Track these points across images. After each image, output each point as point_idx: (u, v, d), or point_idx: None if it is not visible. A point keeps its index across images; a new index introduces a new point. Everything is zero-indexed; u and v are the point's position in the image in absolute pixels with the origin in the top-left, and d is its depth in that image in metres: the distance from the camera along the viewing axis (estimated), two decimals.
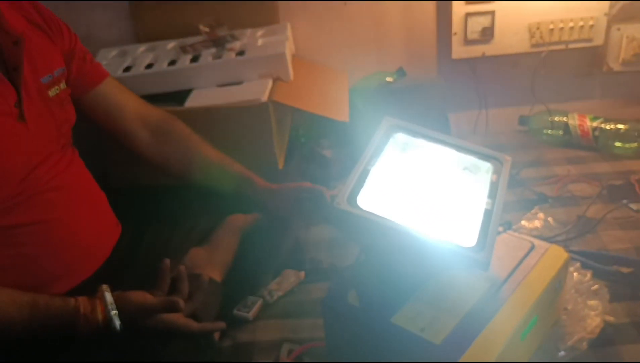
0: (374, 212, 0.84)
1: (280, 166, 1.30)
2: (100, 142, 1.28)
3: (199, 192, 1.12)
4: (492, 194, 0.89)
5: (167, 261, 0.88)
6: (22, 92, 0.84)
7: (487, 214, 0.86)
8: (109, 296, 0.80)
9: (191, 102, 1.28)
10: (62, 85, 0.94)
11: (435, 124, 1.49)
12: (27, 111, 0.85)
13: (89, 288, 0.84)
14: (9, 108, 0.83)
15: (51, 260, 0.89)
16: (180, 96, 1.31)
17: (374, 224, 0.82)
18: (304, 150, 1.48)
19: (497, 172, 0.94)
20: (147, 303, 0.81)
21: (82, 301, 0.80)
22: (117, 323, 0.78)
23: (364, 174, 0.90)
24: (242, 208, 1.11)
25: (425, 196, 0.90)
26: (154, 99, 1.29)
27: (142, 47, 1.46)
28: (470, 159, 0.97)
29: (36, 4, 0.95)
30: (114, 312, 0.79)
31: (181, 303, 0.81)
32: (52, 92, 0.91)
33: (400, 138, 0.99)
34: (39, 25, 0.93)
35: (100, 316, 0.78)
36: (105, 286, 0.82)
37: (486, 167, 0.96)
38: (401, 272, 0.87)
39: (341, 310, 0.87)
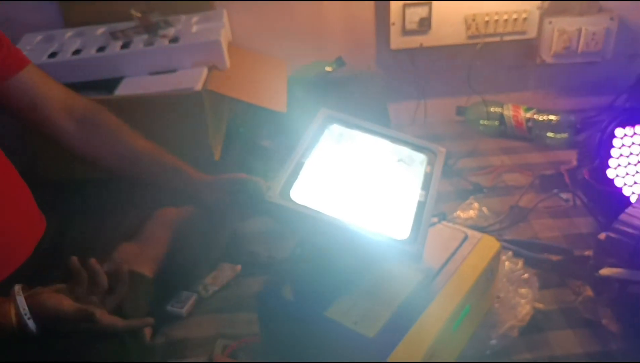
0: (308, 205, 0.82)
1: (217, 157, 1.27)
2: (24, 133, 1.22)
3: (129, 184, 1.08)
4: (426, 186, 0.90)
5: (75, 258, 0.83)
6: None
7: (420, 206, 0.86)
8: (21, 301, 0.75)
9: (121, 90, 1.22)
10: None
11: (374, 114, 1.49)
12: None
13: (11, 287, 0.80)
14: None
15: None
16: (110, 85, 1.25)
17: (307, 217, 0.81)
18: (243, 141, 1.45)
19: (431, 163, 0.94)
20: (63, 310, 0.77)
21: None
22: (32, 327, 0.74)
23: (298, 166, 0.88)
24: (175, 201, 1.08)
25: (359, 189, 0.90)
26: (81, 87, 1.23)
27: (69, 32, 1.38)
28: (405, 151, 0.97)
29: None
30: (27, 318, 0.74)
31: (98, 313, 0.77)
32: None
33: (335, 129, 0.98)
34: None
35: (13, 319, 0.74)
36: (18, 288, 0.77)
37: (420, 158, 0.96)
38: (335, 265, 0.86)
39: (275, 304, 0.86)
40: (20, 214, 0.94)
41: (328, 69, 1.49)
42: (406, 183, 0.92)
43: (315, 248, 0.88)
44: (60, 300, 0.77)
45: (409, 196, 0.89)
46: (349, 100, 1.48)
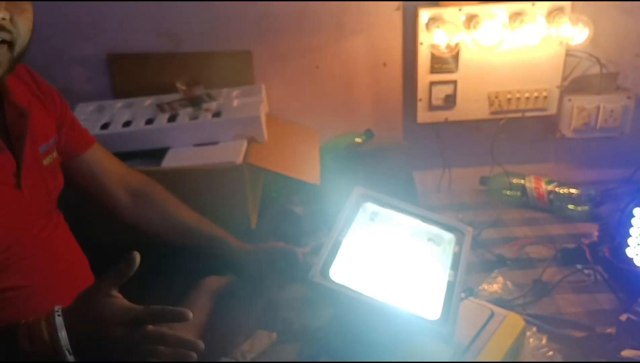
0: (346, 284, 0.89)
1: (253, 225, 1.34)
2: (74, 201, 1.30)
3: (176, 251, 1.15)
4: (455, 265, 0.96)
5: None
6: (22, 162, 0.87)
7: (450, 286, 0.92)
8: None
9: (168, 162, 1.31)
10: (55, 153, 0.97)
11: (401, 182, 1.57)
12: (24, 180, 0.87)
13: None
14: (7, 178, 0.85)
15: None
16: (156, 153, 1.35)
17: (345, 297, 0.87)
18: (276, 207, 1.52)
19: (459, 243, 1.00)
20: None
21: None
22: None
23: (336, 245, 0.95)
24: (217, 268, 1.15)
25: (392, 268, 0.96)
26: (130, 156, 1.33)
27: (119, 103, 1.49)
28: (435, 230, 1.03)
29: (34, 75, 0.98)
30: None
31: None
32: (46, 161, 0.94)
33: (369, 207, 1.05)
34: (37, 95, 0.96)
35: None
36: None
37: (449, 238, 1.02)
38: (370, 340, 0.92)
39: None
40: (78, 283, 1.01)
41: (358, 140, 1.58)
42: (436, 262, 0.98)
43: (351, 323, 0.94)
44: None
45: (438, 275, 0.95)
46: (377, 169, 1.56)
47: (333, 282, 0.88)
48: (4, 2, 0.76)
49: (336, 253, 0.94)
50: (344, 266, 0.93)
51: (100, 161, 1.10)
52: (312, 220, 1.51)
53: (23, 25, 0.80)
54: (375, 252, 0.98)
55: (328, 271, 0.90)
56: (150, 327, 0.78)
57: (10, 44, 0.80)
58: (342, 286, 0.88)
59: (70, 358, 0.76)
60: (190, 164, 1.28)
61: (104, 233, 1.27)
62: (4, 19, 0.76)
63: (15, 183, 0.87)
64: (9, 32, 0.78)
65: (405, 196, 1.24)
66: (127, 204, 1.13)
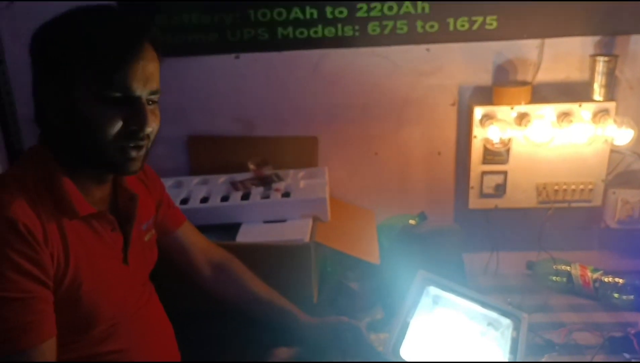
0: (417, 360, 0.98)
1: (315, 300, 1.44)
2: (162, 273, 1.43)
3: (248, 320, 1.26)
4: (514, 350, 1.04)
5: None
6: (129, 240, 1.00)
7: None
8: None
9: (241, 237, 1.43)
10: (153, 231, 1.10)
11: (451, 263, 1.66)
12: (130, 255, 1.00)
13: None
14: (117, 253, 0.98)
15: None
16: (229, 227, 1.48)
17: None
18: (332, 282, 1.62)
19: (516, 328, 1.09)
20: None
21: None
22: None
23: (404, 326, 1.05)
24: (285, 338, 1.24)
25: (456, 351, 1.05)
26: (205, 228, 1.46)
27: (195, 179, 1.65)
28: (493, 315, 1.12)
29: None
30: None
31: None
32: (147, 237, 1.07)
33: (432, 290, 1.15)
34: (142, 179, 1.11)
35: None
36: None
37: (507, 323, 1.11)
38: None
39: None
40: (166, 348, 1.12)
41: (412, 222, 1.69)
42: (496, 346, 1.07)
43: None
44: None
45: (498, 359, 1.03)
46: (429, 250, 1.65)
47: (404, 360, 0.97)
48: (152, 116, 0.91)
49: (405, 333, 1.03)
50: (412, 346, 1.02)
51: (189, 237, 1.24)
52: (367, 296, 1.60)
53: (155, 129, 0.95)
54: (439, 334, 1.08)
55: (399, 350, 0.99)
56: None
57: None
58: None
59: None
60: (262, 240, 1.40)
61: (185, 301, 1.39)
62: (152, 131, 0.91)
63: (123, 258, 1.00)
64: (149, 139, 0.93)
65: (455, 276, 1.33)
66: (209, 275, 1.25)
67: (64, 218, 0.90)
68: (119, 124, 0.88)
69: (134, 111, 0.89)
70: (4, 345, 0.81)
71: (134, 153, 0.91)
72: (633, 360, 1.30)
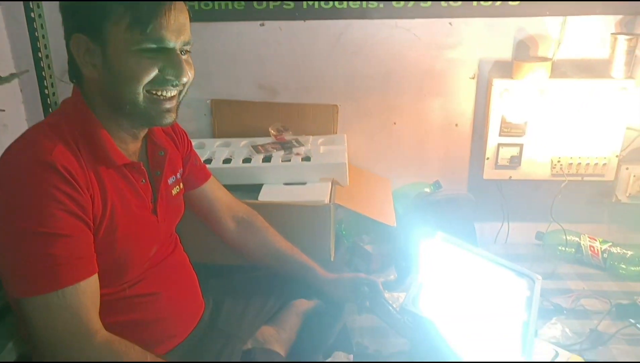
0: (433, 314, 1.03)
1: (332, 258, 1.49)
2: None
3: (268, 274, 1.31)
4: (528, 308, 1.09)
5: None
6: (158, 192, 1.05)
7: (525, 325, 1.05)
8: None
9: (263, 196, 1.49)
10: (181, 185, 1.15)
11: (463, 231, 1.71)
12: (159, 206, 1.04)
13: (177, 354, 1.01)
14: (147, 204, 1.02)
15: (156, 326, 1.05)
16: (250, 188, 1.53)
17: (432, 325, 1.01)
18: (347, 243, 1.68)
19: (530, 288, 1.14)
20: None
21: None
22: None
23: (422, 282, 1.09)
24: (305, 292, 1.29)
25: (471, 303, 1.09)
26: (227, 189, 1.51)
27: (217, 142, 1.69)
28: (508, 274, 1.17)
29: None
30: None
31: None
32: (174, 191, 1.11)
33: (450, 249, 1.20)
34: (170, 135, 1.14)
35: None
36: None
37: (521, 283, 1.15)
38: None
39: None
40: (192, 294, 1.17)
41: (427, 190, 1.73)
42: (510, 303, 1.11)
43: (433, 349, 1.07)
44: None
45: (513, 315, 1.08)
46: (443, 217, 1.70)
47: (422, 311, 1.03)
48: (187, 65, 0.94)
49: (424, 287, 1.08)
50: (430, 299, 1.07)
51: (215, 192, 1.28)
52: (381, 258, 1.65)
53: (190, 78, 0.98)
54: (456, 289, 1.12)
55: (418, 302, 1.04)
56: None
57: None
58: (430, 316, 1.02)
59: None
60: (284, 200, 1.45)
61: (209, 255, 1.44)
62: (187, 80, 0.95)
63: (152, 208, 1.04)
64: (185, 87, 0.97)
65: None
66: (233, 229, 1.30)
67: (101, 166, 0.93)
68: (154, 74, 0.90)
69: (169, 61, 0.91)
70: (51, 281, 0.85)
71: (167, 104, 0.94)
72: (638, 325, 1.35)
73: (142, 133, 1.02)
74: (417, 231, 1.54)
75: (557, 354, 1.10)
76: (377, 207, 1.59)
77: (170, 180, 1.11)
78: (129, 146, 1.00)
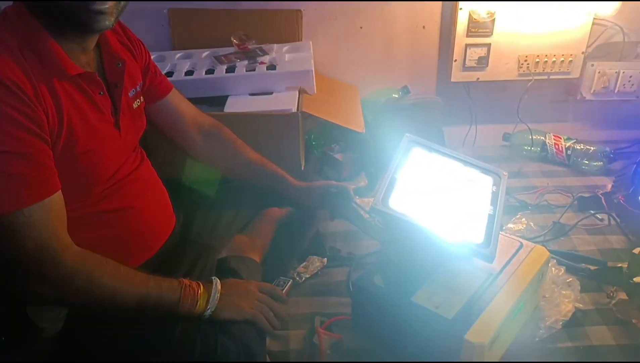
0: (403, 212, 1.04)
1: (303, 167, 1.49)
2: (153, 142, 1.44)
3: (241, 187, 1.31)
4: (494, 202, 1.11)
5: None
6: (118, 105, 1.01)
7: (490, 218, 1.07)
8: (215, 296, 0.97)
9: (229, 107, 1.45)
10: (141, 98, 1.10)
11: (432, 135, 1.71)
12: (121, 120, 1.01)
13: (150, 267, 1.01)
14: (108, 117, 0.99)
15: (127, 241, 1.05)
16: (215, 100, 1.49)
17: (403, 222, 1.03)
18: (317, 153, 1.67)
19: (496, 184, 1.16)
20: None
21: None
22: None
23: (392, 181, 1.10)
24: (277, 201, 1.30)
25: (440, 202, 1.11)
26: (191, 102, 1.47)
27: (178, 54, 1.63)
28: (475, 173, 1.19)
29: (123, 27, 1.10)
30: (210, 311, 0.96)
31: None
32: (135, 104, 1.07)
33: (418, 151, 1.20)
34: (127, 45, 1.09)
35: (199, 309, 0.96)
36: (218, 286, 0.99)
37: (487, 179, 1.18)
38: (419, 261, 1.08)
39: (369, 289, 1.07)
40: (163, 208, 1.17)
41: (395, 96, 1.72)
42: (476, 198, 1.14)
43: (405, 246, 1.10)
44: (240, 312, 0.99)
45: (479, 210, 1.10)
46: (411, 123, 1.70)
47: (393, 210, 1.04)
48: None
49: (393, 187, 1.09)
50: (400, 198, 1.08)
51: (178, 105, 1.24)
52: (351, 166, 1.66)
53: None
54: (425, 188, 1.14)
55: (388, 201, 1.06)
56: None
57: None
58: (401, 213, 1.04)
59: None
60: (251, 110, 1.43)
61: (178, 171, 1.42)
62: None
63: (114, 122, 1.01)
64: None
65: None
66: (200, 142, 1.27)
67: (53, 78, 0.88)
68: None
69: None
70: (14, 201, 0.82)
71: (99, 5, 0.87)
72: (599, 216, 1.41)
73: (91, 43, 0.96)
74: (386, 137, 1.55)
75: (521, 245, 1.14)
76: (346, 114, 1.58)
77: (131, 93, 1.07)
78: (80, 58, 0.95)
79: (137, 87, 1.09)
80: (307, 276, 1.29)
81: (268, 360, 1.07)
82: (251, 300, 1.00)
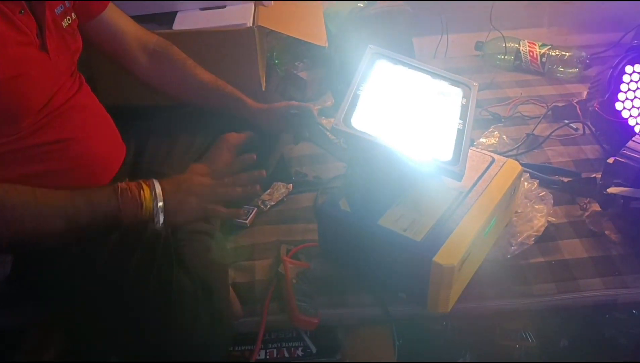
0: (366, 131, 0.97)
1: (263, 87, 1.40)
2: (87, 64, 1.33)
3: (195, 111, 1.21)
4: (463, 115, 1.04)
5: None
6: (43, 24, 0.89)
7: (460, 133, 1.01)
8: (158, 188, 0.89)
9: (178, 24, 1.33)
10: (73, 15, 0.98)
11: (401, 47, 1.61)
12: (48, 42, 0.90)
13: None
14: (32, 39, 0.88)
15: (71, 174, 0.97)
16: (162, 17, 1.36)
17: (367, 142, 0.96)
18: (281, 72, 1.57)
19: (466, 96, 1.08)
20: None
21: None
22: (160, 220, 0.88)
23: (355, 98, 1.02)
24: (235, 126, 1.21)
25: (406, 117, 1.03)
26: (137, 20, 1.34)
27: None
28: (443, 85, 1.10)
29: None
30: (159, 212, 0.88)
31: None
32: (65, 23, 0.95)
33: (382, 64, 1.11)
34: None
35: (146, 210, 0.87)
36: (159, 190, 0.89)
37: (457, 92, 1.10)
38: (386, 182, 1.02)
39: (335, 214, 1.02)
40: (109, 136, 1.08)
41: (360, 5, 1.59)
42: (445, 113, 1.06)
43: (369, 168, 1.04)
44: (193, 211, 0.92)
45: (448, 125, 1.03)
46: (379, 34, 1.59)
47: (355, 129, 0.97)
48: None
49: (355, 104, 1.01)
50: (363, 116, 1.00)
51: (118, 22, 1.12)
52: (317, 85, 1.57)
53: None
54: (389, 104, 1.06)
55: (350, 120, 0.98)
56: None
57: None
58: (363, 133, 0.96)
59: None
60: (202, 27, 1.30)
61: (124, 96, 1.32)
62: None
63: (40, 44, 0.90)
64: None
65: None
66: (146, 64, 1.16)
67: None
68: None
69: None
70: None
71: None
72: (573, 125, 1.35)
73: None
74: (350, 52, 1.44)
75: (493, 160, 1.09)
76: (307, 27, 1.47)
77: (58, 10, 0.95)
78: None
79: (66, 3, 0.97)
80: (272, 203, 1.23)
81: (232, 293, 1.02)
82: (199, 192, 0.94)
